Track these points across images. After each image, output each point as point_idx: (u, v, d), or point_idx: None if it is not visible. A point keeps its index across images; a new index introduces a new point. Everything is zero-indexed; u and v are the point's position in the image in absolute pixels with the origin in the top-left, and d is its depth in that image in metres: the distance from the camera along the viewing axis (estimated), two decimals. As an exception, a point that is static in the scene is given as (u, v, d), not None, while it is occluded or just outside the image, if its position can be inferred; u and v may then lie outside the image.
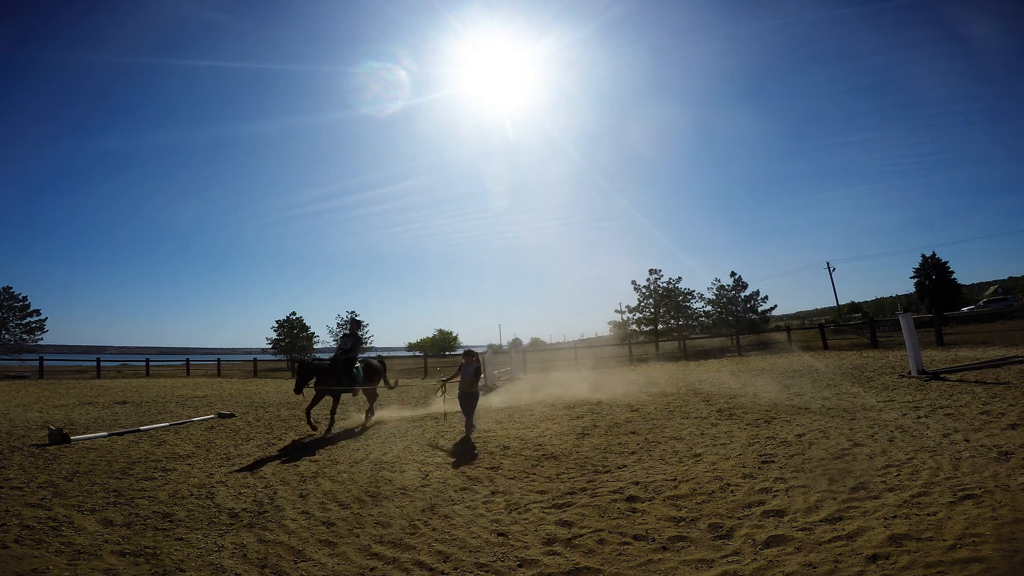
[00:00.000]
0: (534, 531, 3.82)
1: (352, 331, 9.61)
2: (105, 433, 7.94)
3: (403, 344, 61.13)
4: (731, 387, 10.93)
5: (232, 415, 10.32)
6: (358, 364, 9.38)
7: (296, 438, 7.82)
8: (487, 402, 11.74)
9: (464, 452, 6.51)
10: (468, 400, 7.70)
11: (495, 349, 26.04)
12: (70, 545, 3.59)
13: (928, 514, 3.48)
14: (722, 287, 37.39)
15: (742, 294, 37.02)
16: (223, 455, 6.62)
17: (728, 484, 4.49)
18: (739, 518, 3.76)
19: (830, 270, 45.68)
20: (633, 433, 6.99)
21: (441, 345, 57.21)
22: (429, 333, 59.57)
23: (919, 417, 6.36)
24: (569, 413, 9.13)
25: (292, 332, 48.32)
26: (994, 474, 4.08)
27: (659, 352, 30.93)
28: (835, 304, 46.88)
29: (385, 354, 38.53)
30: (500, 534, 3.79)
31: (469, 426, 7.56)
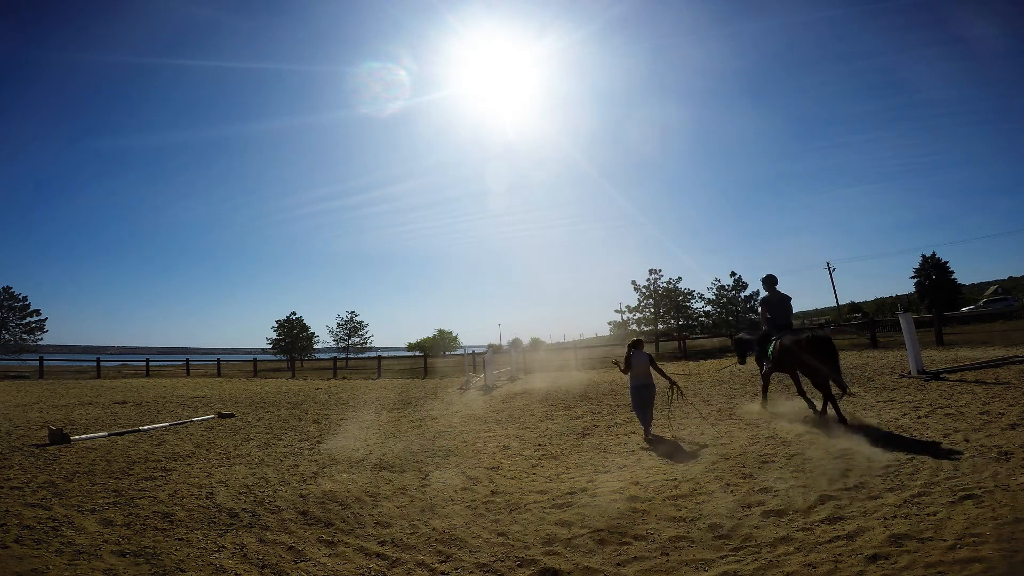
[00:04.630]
0: (534, 531, 3.82)
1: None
2: (105, 433, 7.95)
3: (403, 344, 61.08)
4: (731, 387, 10.93)
5: (232, 415, 10.32)
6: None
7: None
8: (487, 402, 11.74)
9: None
10: (647, 391, 6.77)
11: (495, 349, 26.03)
12: (70, 545, 3.59)
13: (928, 514, 3.48)
14: (722, 287, 37.46)
15: (742, 294, 37.04)
16: (223, 455, 6.62)
17: (728, 484, 4.49)
18: (739, 518, 3.76)
19: (830, 270, 45.72)
20: (633, 433, 6.99)
21: (441, 345, 57.17)
22: (429, 333, 59.56)
23: (919, 417, 6.35)
24: (569, 413, 9.13)
25: (292, 332, 48.37)
26: (994, 474, 4.07)
27: (659, 352, 30.93)
28: (835, 304, 46.89)
29: (385, 354, 38.50)
30: (500, 534, 3.79)
31: (648, 421, 6.73)
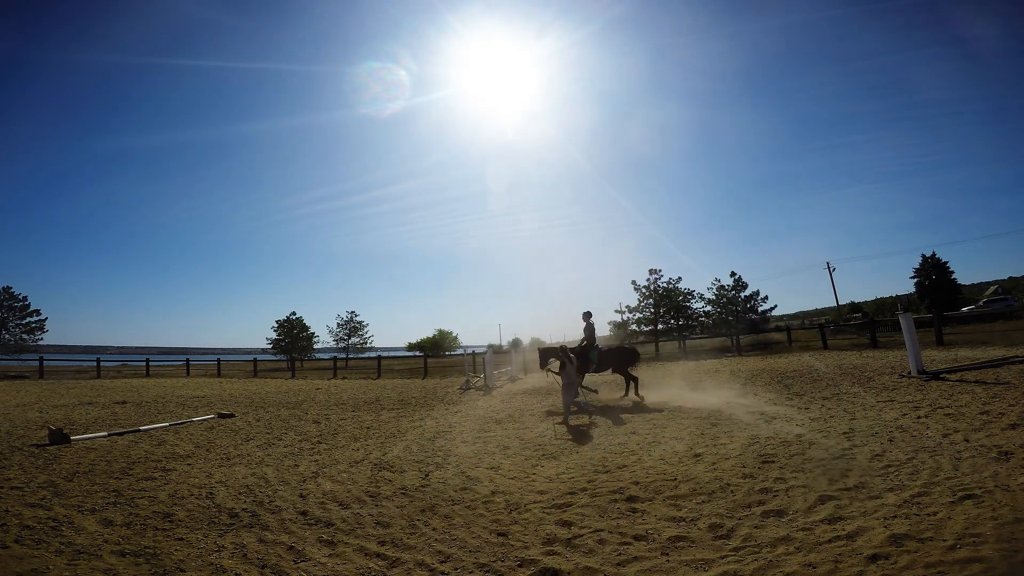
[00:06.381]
0: (534, 531, 3.82)
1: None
2: (105, 433, 7.95)
3: (403, 344, 61.11)
4: (731, 387, 10.93)
5: (232, 415, 10.31)
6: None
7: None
8: (487, 403, 11.75)
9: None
10: (573, 388, 8.92)
11: (495, 349, 25.98)
12: (70, 545, 3.59)
13: (928, 514, 3.47)
14: (722, 287, 37.33)
15: (742, 294, 36.98)
16: (223, 455, 6.62)
17: (728, 484, 4.49)
18: (739, 518, 3.76)
19: (830, 270, 45.75)
20: (633, 433, 6.99)
21: (441, 345, 57.16)
22: (429, 333, 59.56)
23: (919, 417, 6.36)
24: (569, 413, 9.13)
25: (292, 332, 48.36)
26: (994, 474, 4.07)
27: (659, 352, 30.93)
28: (835, 304, 46.88)
29: (385, 354, 38.52)
30: (500, 534, 3.79)
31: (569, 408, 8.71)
